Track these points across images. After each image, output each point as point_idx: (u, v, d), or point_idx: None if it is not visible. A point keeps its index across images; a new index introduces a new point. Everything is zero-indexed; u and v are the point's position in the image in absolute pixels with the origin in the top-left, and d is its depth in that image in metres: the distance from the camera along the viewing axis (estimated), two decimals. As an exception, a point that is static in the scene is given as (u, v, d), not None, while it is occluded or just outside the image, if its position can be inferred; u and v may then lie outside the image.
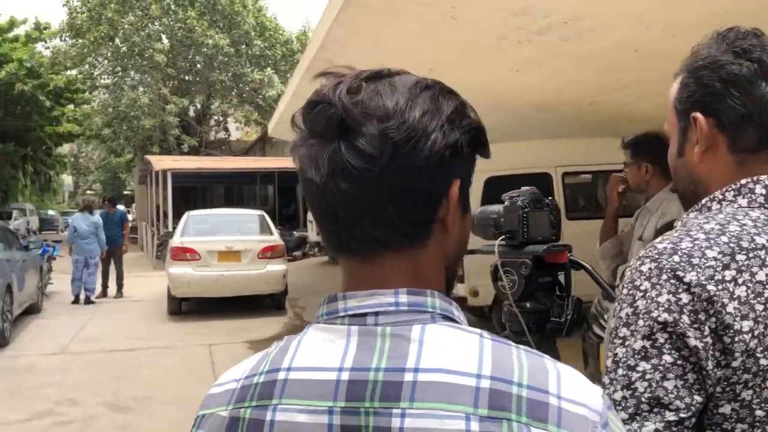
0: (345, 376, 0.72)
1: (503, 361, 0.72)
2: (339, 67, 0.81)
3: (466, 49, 6.74)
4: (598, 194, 7.90)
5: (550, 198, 1.55)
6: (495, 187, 7.17)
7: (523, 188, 1.50)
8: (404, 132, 0.73)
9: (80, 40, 25.31)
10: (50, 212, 41.50)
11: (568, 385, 0.72)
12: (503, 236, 1.50)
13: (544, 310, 1.48)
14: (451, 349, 0.72)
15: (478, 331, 0.75)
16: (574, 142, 8.06)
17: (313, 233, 16.41)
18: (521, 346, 0.76)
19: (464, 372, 0.70)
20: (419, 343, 0.72)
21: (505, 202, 1.52)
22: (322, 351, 0.74)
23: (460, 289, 7.09)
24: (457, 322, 0.76)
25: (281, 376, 0.74)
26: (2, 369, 7.35)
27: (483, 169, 6.09)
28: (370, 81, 0.77)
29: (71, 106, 32.73)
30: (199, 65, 26.08)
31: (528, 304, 1.48)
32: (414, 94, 0.76)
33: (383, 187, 0.73)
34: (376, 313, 0.74)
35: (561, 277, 1.52)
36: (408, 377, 0.70)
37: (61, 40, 27.11)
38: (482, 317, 7.90)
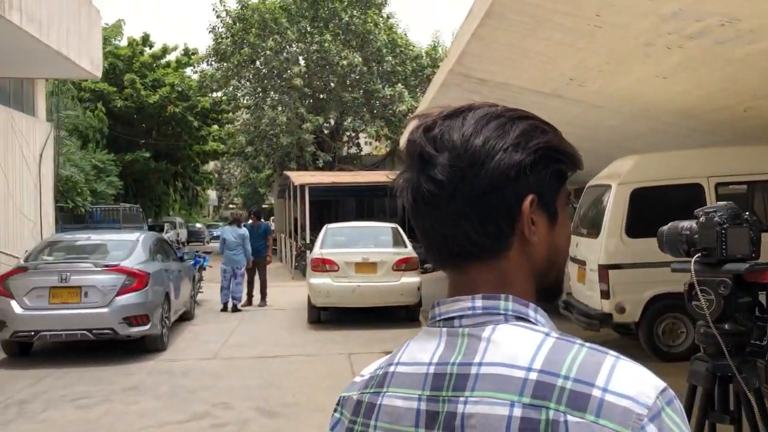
0: (431, 369, 0.85)
1: (557, 356, 0.80)
2: (433, 108, 0.93)
3: (609, 57, 6.52)
4: (755, 205, 7.34)
5: (748, 213, 1.44)
6: (642, 199, 6.89)
7: (719, 203, 1.41)
8: (468, 159, 0.85)
9: (225, 64, 26.89)
10: (197, 225, 44.29)
11: (620, 379, 0.77)
12: (699, 254, 1.42)
13: (743, 332, 1.38)
14: (512, 346, 0.82)
15: (546, 330, 0.84)
16: (727, 150, 7.55)
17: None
18: (590, 344, 0.83)
19: (517, 365, 0.80)
20: (487, 341, 0.83)
21: (700, 218, 1.44)
22: (421, 348, 0.89)
23: (604, 305, 6.82)
24: (531, 323, 0.85)
25: (391, 369, 0.90)
26: (162, 372, 7.88)
27: (628, 181, 5.84)
28: (446, 118, 0.89)
29: (216, 126, 34.80)
30: (332, 84, 26.92)
31: (726, 326, 1.38)
32: (481, 124, 0.87)
33: (457, 207, 0.86)
34: (460, 317, 0.86)
35: (762, 298, 1.41)
36: (473, 370, 0.82)
37: (207, 65, 28.94)
38: (628, 334, 7.55)
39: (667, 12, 4.99)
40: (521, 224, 0.86)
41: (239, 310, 12.41)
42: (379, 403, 0.88)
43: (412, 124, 0.92)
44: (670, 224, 1.52)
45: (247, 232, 12.80)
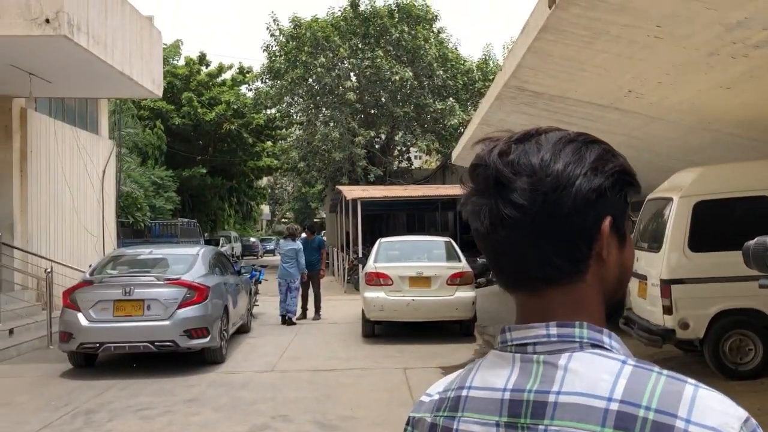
0: (507, 395, 0.86)
1: (637, 385, 0.81)
2: (498, 132, 0.94)
3: (669, 68, 6.39)
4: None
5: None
6: (705, 212, 6.70)
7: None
8: (550, 183, 0.86)
9: (278, 82, 27.36)
10: (251, 239, 45.01)
11: (701, 410, 0.78)
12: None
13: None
14: (590, 375, 0.82)
15: (623, 357, 0.85)
16: (797, 162, 7.29)
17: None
18: (668, 372, 0.83)
19: (597, 395, 0.80)
20: (564, 369, 0.83)
21: (793, 234, 1.38)
22: (494, 373, 0.89)
23: (667, 321, 6.63)
24: (606, 349, 0.86)
25: (464, 393, 0.90)
26: (222, 384, 7.99)
27: (691, 194, 5.67)
28: (519, 142, 0.90)
29: (270, 143, 35.38)
30: (383, 99, 27.09)
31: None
32: (558, 148, 0.88)
33: (538, 231, 0.86)
34: (534, 344, 0.87)
35: None
36: (551, 398, 0.82)
37: (261, 82, 29.48)
38: (692, 351, 7.32)
39: (732, 21, 4.87)
40: (599, 245, 0.88)
41: (294, 323, 12.53)
42: (455, 428, 0.89)
43: (479, 148, 0.93)
44: (756, 239, 1.47)
45: (300, 246, 12.97)
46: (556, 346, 0.86)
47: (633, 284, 7.62)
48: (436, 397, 0.95)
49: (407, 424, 0.99)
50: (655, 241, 7.19)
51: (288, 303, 12.67)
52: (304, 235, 13.88)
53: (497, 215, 0.87)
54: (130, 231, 23.51)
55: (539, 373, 0.85)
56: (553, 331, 0.86)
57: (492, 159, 0.89)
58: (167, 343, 8.40)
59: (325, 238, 32.78)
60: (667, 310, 6.60)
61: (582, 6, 5.41)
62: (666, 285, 6.63)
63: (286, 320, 12.57)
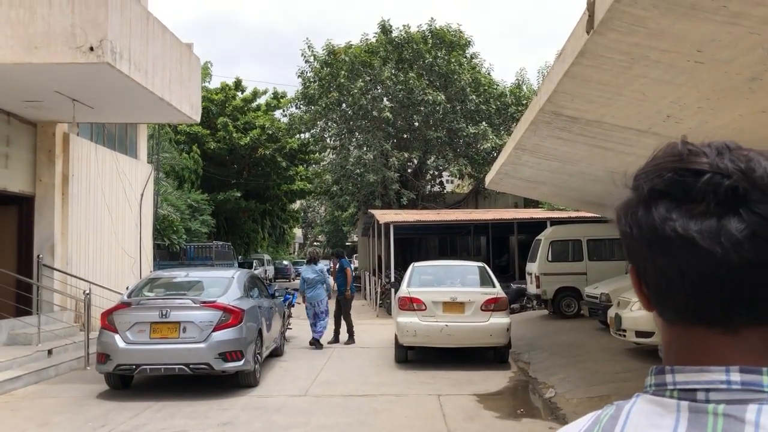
0: None
1: None
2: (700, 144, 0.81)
3: (710, 93, 6.29)
4: None
5: None
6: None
7: None
8: None
9: (312, 107, 27.67)
10: (284, 262, 45.22)
11: None
12: None
13: None
14: None
15: None
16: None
17: (532, 285, 16.06)
18: None
19: None
20: (755, 425, 0.70)
21: None
22: (652, 424, 0.75)
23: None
24: None
25: None
26: (256, 408, 7.97)
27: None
28: (740, 151, 0.78)
29: (303, 167, 35.71)
30: (416, 123, 27.21)
31: None
32: None
33: None
34: (707, 390, 0.74)
35: None
36: None
37: (296, 108, 29.87)
38: None
39: (775, 45, 4.78)
40: None
41: (320, 347, 12.46)
42: None
43: (695, 158, 0.78)
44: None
45: (324, 267, 13.15)
46: (737, 395, 0.73)
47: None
48: None
49: None
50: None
51: (315, 325, 12.71)
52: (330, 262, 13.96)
53: (746, 233, 0.73)
54: (166, 253, 23.82)
55: (718, 428, 0.71)
56: (736, 377, 0.73)
57: (733, 167, 0.75)
58: (202, 366, 8.43)
59: (356, 261, 32.91)
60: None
61: (620, 31, 5.37)
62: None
63: (312, 343, 12.57)
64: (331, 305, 13.27)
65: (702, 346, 0.78)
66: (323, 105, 26.74)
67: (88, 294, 11.00)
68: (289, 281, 40.97)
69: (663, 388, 0.77)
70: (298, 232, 65.89)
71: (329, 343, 12.93)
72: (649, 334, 9.22)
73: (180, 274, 10.31)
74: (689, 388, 0.75)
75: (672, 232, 0.76)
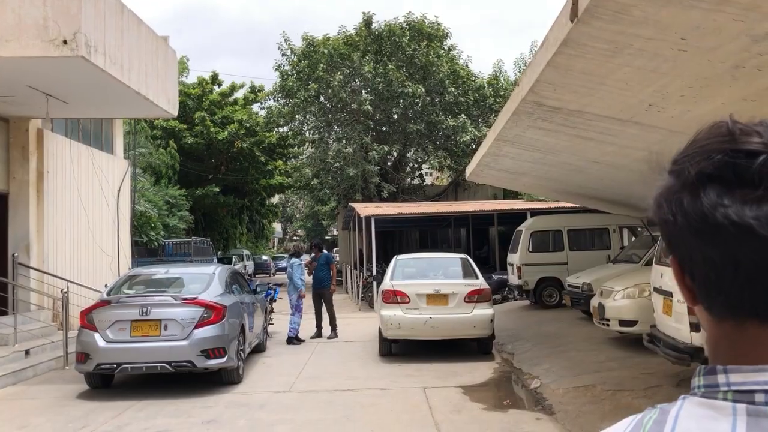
0: None
1: None
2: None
3: (693, 81, 6.29)
4: None
5: None
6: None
7: None
8: None
9: (291, 100, 27.45)
10: (263, 257, 44.99)
11: None
12: None
13: None
14: None
15: None
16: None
17: (513, 276, 16.09)
18: None
19: None
20: None
21: None
22: (704, 429, 0.68)
23: (694, 338, 6.47)
24: None
25: None
26: (239, 405, 7.87)
27: None
28: None
29: (281, 161, 35.46)
30: (395, 116, 27.12)
31: None
32: None
33: None
34: (767, 392, 0.68)
35: None
36: None
37: (273, 101, 29.61)
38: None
39: (760, 32, 4.77)
40: None
41: (293, 342, 12.30)
42: None
43: (747, 138, 0.72)
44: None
45: (296, 262, 12.99)
46: None
47: (657, 301, 7.47)
48: None
49: None
50: (679, 257, 7.04)
51: (291, 321, 12.58)
52: (312, 254, 13.79)
53: None
54: (144, 250, 23.53)
55: None
56: None
57: None
58: (184, 364, 8.30)
59: (337, 255, 32.82)
60: (695, 327, 6.44)
61: (605, 19, 5.33)
62: (693, 302, 6.47)
63: (288, 341, 12.41)
64: (308, 300, 13.20)
65: (759, 344, 0.72)
66: (302, 98, 26.54)
67: (65, 292, 10.79)
68: (269, 276, 40.76)
69: (715, 390, 0.71)
70: (277, 226, 65.55)
71: (312, 337, 12.84)
72: (632, 323, 9.26)
73: (160, 271, 10.16)
74: (746, 389, 0.69)
75: (725, 220, 0.69)
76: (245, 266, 35.56)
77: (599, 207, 15.85)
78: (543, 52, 6.79)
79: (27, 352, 10.10)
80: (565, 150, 10.40)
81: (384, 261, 17.07)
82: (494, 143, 11.13)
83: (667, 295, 7.11)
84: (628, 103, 7.40)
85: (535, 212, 17.86)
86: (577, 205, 16.62)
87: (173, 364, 8.26)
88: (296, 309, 12.65)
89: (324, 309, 13.18)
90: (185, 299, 8.60)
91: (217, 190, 33.11)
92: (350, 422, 6.97)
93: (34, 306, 12.05)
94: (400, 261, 11.83)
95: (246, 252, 39.72)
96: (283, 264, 46.53)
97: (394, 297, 10.53)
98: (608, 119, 8.21)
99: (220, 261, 28.59)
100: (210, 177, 33.75)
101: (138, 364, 8.27)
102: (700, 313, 0.78)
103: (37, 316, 11.69)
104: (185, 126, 31.75)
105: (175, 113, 12.91)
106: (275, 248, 66.39)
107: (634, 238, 15.20)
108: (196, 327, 8.36)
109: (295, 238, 67.47)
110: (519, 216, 18.39)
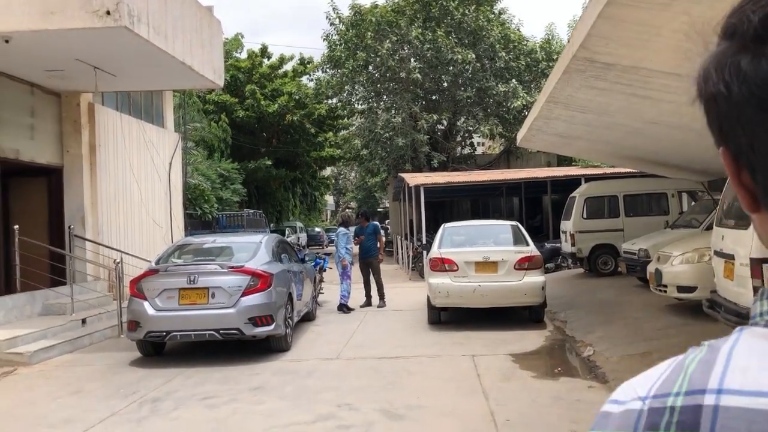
0: None
1: None
2: None
3: (758, 28, 5.84)
4: None
5: None
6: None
7: None
8: None
9: (339, 71, 27.27)
10: (316, 229, 45.28)
11: None
12: None
13: None
14: None
15: None
16: None
17: (566, 244, 15.69)
18: None
19: None
20: None
21: None
22: (765, 367, 0.55)
23: (759, 303, 6.11)
24: None
25: (708, 400, 0.55)
26: (287, 372, 7.87)
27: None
28: None
29: (332, 133, 35.44)
30: (445, 83, 26.66)
31: None
32: None
33: None
34: None
35: None
36: None
37: (322, 72, 29.48)
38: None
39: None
40: None
41: (344, 311, 12.36)
42: None
43: None
44: None
45: (341, 232, 13.07)
46: None
47: (718, 265, 7.09)
48: (637, 405, 0.61)
49: None
50: (742, 218, 6.64)
51: (341, 289, 12.64)
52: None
53: None
54: (198, 222, 23.89)
55: None
56: None
57: None
58: (232, 331, 8.34)
59: (389, 227, 32.78)
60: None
61: (660, -38, 4.96)
62: (757, 264, 6.10)
63: (339, 308, 12.51)
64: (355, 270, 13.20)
65: None
66: (350, 68, 26.31)
67: (119, 263, 10.99)
68: (322, 248, 41.09)
69: None
70: (329, 199, 65.94)
71: (361, 306, 12.82)
72: (691, 289, 8.87)
73: (208, 240, 10.22)
74: None
75: None
76: (298, 238, 35.86)
77: (657, 171, 15.25)
78: (594, 3, 6.42)
79: (84, 321, 10.34)
80: (619, 111, 9.95)
81: (435, 231, 16.91)
82: (545, 105, 10.74)
83: (729, 258, 6.72)
84: (687, 56, 6.97)
85: (589, 178, 17.34)
86: (634, 170, 16.04)
87: (221, 331, 8.31)
88: (344, 277, 12.65)
89: (372, 278, 13.11)
90: (232, 267, 8.61)
91: (269, 163, 33.31)
92: (396, 389, 6.87)
93: (91, 277, 12.34)
94: (448, 229, 11.62)
95: (299, 224, 40.04)
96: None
97: (442, 265, 10.35)
98: (665, 74, 7.76)
99: (273, 233, 28.87)
100: (262, 150, 33.98)
101: (187, 332, 8.34)
102: (763, 223, 0.60)
103: (93, 287, 11.97)
104: (236, 100, 31.96)
105: (221, 84, 12.90)
106: (328, 221, 66.87)
107: (693, 203, 14.59)
108: (243, 295, 8.37)
109: (348, 209, 67.83)
110: (573, 183, 17.87)
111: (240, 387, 7.20)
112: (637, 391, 0.63)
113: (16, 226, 10.33)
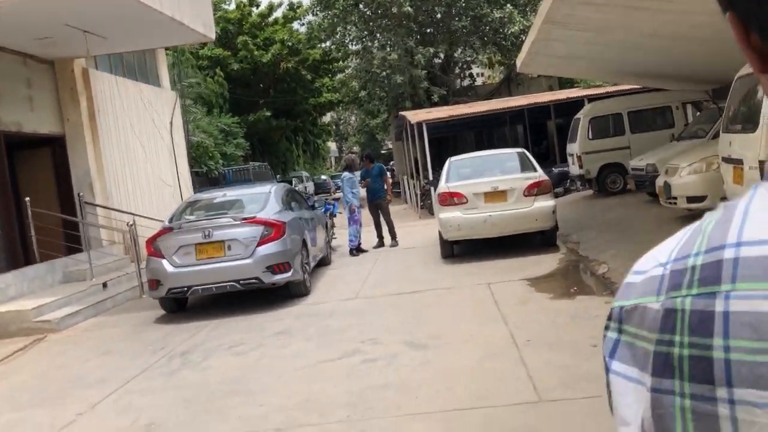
0: None
1: None
2: None
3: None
4: None
5: None
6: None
7: None
8: None
9: (330, 12, 26.78)
10: (322, 177, 45.26)
11: None
12: None
13: None
14: None
15: None
16: None
17: (574, 167, 15.67)
18: None
19: None
20: None
21: None
22: None
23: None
24: None
25: (728, 254, 0.57)
26: (309, 315, 8.05)
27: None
28: None
29: (328, 78, 35.05)
30: (438, 15, 26.16)
31: None
32: None
33: None
34: None
35: None
36: None
37: (312, 15, 28.96)
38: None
39: None
40: None
41: (354, 254, 12.52)
42: (720, 310, 0.56)
43: None
44: None
45: (346, 176, 13.07)
46: None
47: (727, 171, 7.10)
48: (659, 271, 0.62)
49: (609, 318, 0.67)
50: (748, 122, 6.62)
51: (349, 234, 12.77)
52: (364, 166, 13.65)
53: None
54: (206, 179, 23.96)
55: None
56: None
57: None
58: (252, 281, 8.49)
59: (394, 167, 32.68)
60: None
61: None
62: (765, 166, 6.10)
63: (351, 252, 12.65)
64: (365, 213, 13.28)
65: None
66: (340, 8, 25.83)
67: (131, 225, 11.10)
68: (330, 195, 41.19)
69: None
70: (332, 145, 65.69)
71: (374, 248, 12.94)
72: (701, 198, 8.90)
73: (217, 195, 10.31)
74: None
75: None
76: (305, 187, 35.89)
77: (660, 85, 15.08)
78: None
79: (104, 285, 10.53)
80: (618, 26, 9.78)
81: (440, 167, 16.93)
82: (543, 27, 10.56)
83: (737, 163, 6.73)
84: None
85: (592, 98, 17.17)
86: (637, 86, 15.87)
87: (241, 281, 8.46)
88: (350, 221, 12.73)
89: (383, 220, 13.18)
90: (245, 219, 8.71)
91: (269, 114, 33.12)
92: (416, 322, 7.03)
93: (106, 241, 12.49)
94: (454, 163, 11.62)
95: (305, 174, 40.05)
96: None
97: (451, 199, 10.40)
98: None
99: (281, 183, 28.92)
100: (260, 102, 33.74)
101: (207, 285, 8.50)
102: None
103: (110, 251, 12.13)
104: (229, 53, 31.57)
105: (213, 36, 12.75)
106: (333, 168, 66.77)
107: (698, 113, 14.47)
108: (259, 245, 8.49)
109: (351, 154, 67.65)
110: (577, 105, 17.71)
111: (265, 333, 7.38)
112: (657, 258, 0.65)
113: (28, 198, 10.42)
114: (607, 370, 0.66)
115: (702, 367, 0.55)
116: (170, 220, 9.18)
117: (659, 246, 0.67)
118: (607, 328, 0.67)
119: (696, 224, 0.64)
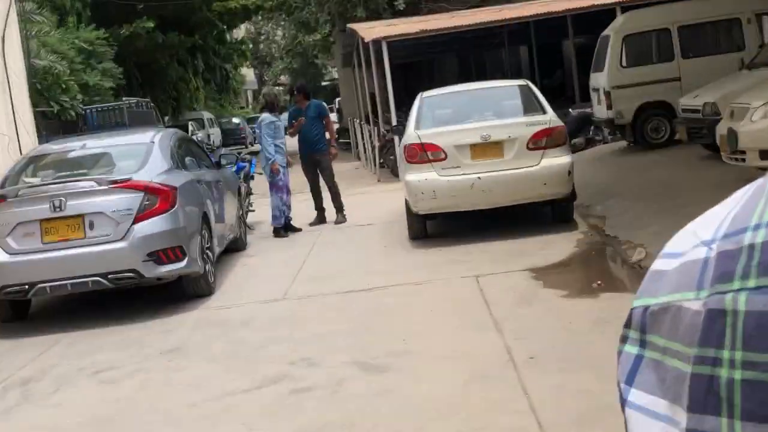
0: None
1: None
2: None
3: None
4: None
5: None
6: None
7: None
8: None
9: None
10: (234, 120, 44.81)
11: None
12: None
13: None
14: None
15: None
16: None
17: (600, 107, 15.85)
18: None
19: None
20: None
21: None
22: None
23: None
24: None
25: None
26: (213, 324, 8.06)
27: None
28: None
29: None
30: None
31: None
32: None
33: None
34: None
35: None
36: None
37: None
38: None
39: None
40: None
41: (282, 235, 12.40)
42: None
43: None
44: None
45: (266, 120, 12.74)
46: None
47: None
48: (701, 253, 0.62)
49: (627, 326, 0.67)
50: None
51: (271, 206, 12.66)
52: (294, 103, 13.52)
53: None
54: (58, 123, 23.55)
55: None
56: None
57: None
58: (126, 275, 8.43)
59: (340, 105, 32.60)
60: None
61: None
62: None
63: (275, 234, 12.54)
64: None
65: None
66: None
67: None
68: (246, 147, 40.92)
69: None
70: (249, 73, 65.10)
71: (311, 225, 12.95)
72: (780, 153, 9.12)
73: (74, 146, 10.17)
74: None
75: None
76: (209, 135, 35.69)
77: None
78: None
79: None
80: None
81: (408, 107, 16.96)
82: None
83: None
84: None
85: (627, 7, 17.31)
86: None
87: (110, 276, 8.38)
88: (272, 188, 12.59)
89: (323, 184, 13.12)
90: (115, 183, 8.62)
91: (152, 25, 32.55)
92: (372, 332, 7.09)
93: None
94: (427, 100, 11.66)
95: (208, 115, 39.74)
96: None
97: (423, 153, 10.44)
98: None
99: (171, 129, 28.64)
100: (139, 8, 33.14)
101: (59, 282, 8.40)
102: None
103: None
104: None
105: None
106: (250, 107, 66.31)
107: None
108: (137, 221, 8.43)
109: (278, 88, 67.22)
110: (605, 17, 17.86)
111: (147, 351, 7.37)
112: (699, 235, 0.64)
113: None
114: (623, 402, 0.66)
115: (763, 398, 0.54)
116: (2, 185, 9.03)
117: (702, 216, 0.66)
118: (623, 339, 0.67)
119: (759, 182, 0.63)
